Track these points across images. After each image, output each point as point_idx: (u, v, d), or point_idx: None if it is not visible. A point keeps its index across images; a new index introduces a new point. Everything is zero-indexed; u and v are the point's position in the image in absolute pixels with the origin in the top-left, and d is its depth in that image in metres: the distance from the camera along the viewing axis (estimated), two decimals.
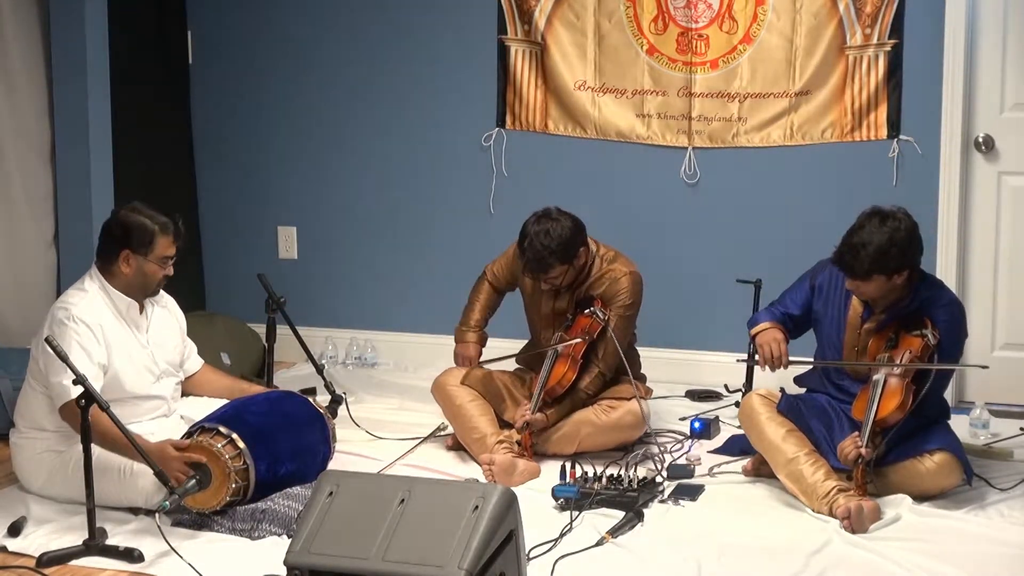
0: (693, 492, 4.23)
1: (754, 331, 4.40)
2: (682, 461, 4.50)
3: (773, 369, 4.32)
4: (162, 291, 4.36)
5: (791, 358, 4.32)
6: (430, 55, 5.90)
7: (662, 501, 4.15)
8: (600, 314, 4.58)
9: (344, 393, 4.90)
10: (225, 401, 4.30)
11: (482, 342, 4.91)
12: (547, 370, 4.55)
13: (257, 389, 4.48)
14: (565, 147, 5.74)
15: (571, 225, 4.54)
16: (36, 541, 3.83)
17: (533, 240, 4.50)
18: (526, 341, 4.96)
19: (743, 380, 5.13)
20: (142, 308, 4.25)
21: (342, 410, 4.76)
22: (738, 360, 4.58)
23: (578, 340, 4.52)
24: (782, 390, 4.38)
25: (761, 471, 4.34)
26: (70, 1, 5.32)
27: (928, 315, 4.15)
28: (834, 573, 3.61)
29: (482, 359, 4.85)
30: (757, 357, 4.36)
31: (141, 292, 4.21)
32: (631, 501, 4.01)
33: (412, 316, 6.07)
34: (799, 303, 4.40)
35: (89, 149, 5.35)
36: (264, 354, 5.00)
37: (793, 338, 4.47)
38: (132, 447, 3.75)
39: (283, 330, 4.79)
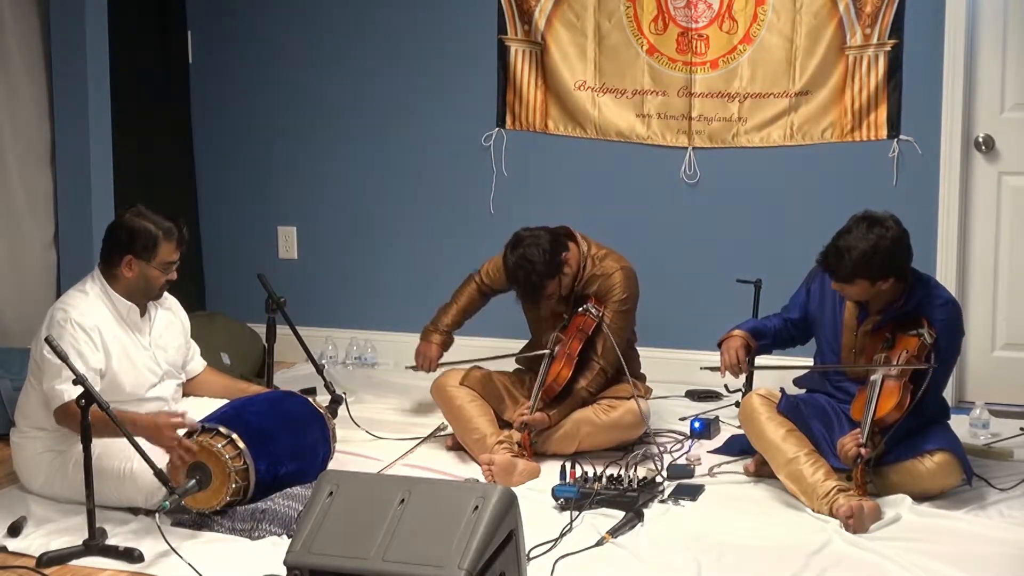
0: (693, 492, 4.23)
1: (720, 339, 4.45)
2: (682, 461, 4.50)
3: (735, 376, 4.41)
4: (165, 293, 4.35)
5: (783, 361, 4.36)
6: (430, 55, 5.90)
7: (662, 501, 4.15)
8: (594, 311, 4.59)
9: (344, 393, 4.90)
10: (225, 401, 4.30)
11: (445, 345, 4.99)
12: (544, 370, 4.55)
13: (257, 389, 4.48)
14: (565, 147, 5.74)
15: (547, 239, 4.55)
16: (36, 541, 3.83)
17: (516, 271, 4.52)
18: (524, 341, 4.96)
19: (743, 380, 5.12)
20: (143, 311, 4.25)
21: (342, 410, 4.76)
22: (701, 367, 4.63)
23: (551, 351, 4.57)
24: (782, 390, 4.38)
25: (762, 471, 4.34)
26: (70, 2, 5.31)
27: (924, 315, 4.15)
28: (834, 573, 3.60)
29: (443, 361, 4.92)
30: (718, 364, 4.41)
31: (143, 296, 4.21)
32: (631, 501, 4.01)
33: (412, 316, 6.04)
34: (798, 307, 4.44)
35: (89, 150, 5.35)
36: (264, 354, 5.00)
37: (802, 343, 4.51)
38: (129, 431, 3.74)
39: (283, 330, 4.79)
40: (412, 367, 4.99)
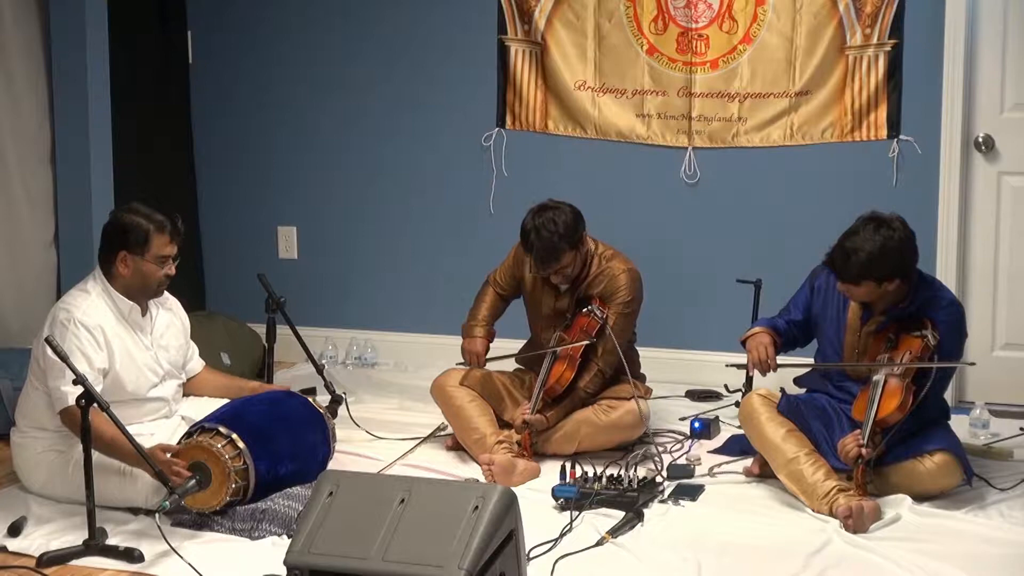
0: (693, 492, 4.23)
1: (744, 336, 4.43)
2: (682, 461, 4.50)
3: (763, 373, 4.36)
4: (166, 293, 4.36)
5: (785, 360, 4.36)
6: (430, 55, 5.90)
7: (662, 501, 4.15)
8: (598, 312, 4.59)
9: (344, 393, 4.90)
10: (225, 401, 4.30)
11: (489, 338, 4.88)
12: (546, 370, 4.55)
13: (256, 386, 4.49)
14: (565, 147, 5.74)
15: (571, 210, 4.56)
16: (36, 541, 3.83)
17: (540, 231, 4.49)
18: (524, 341, 4.96)
19: (743, 380, 5.13)
20: (145, 310, 4.25)
21: (342, 410, 4.76)
22: (727, 365, 4.62)
23: (581, 343, 4.52)
24: (782, 390, 4.38)
25: (765, 471, 4.33)
26: (70, 2, 5.32)
27: (928, 316, 4.15)
28: (834, 573, 3.60)
29: (488, 356, 4.85)
30: (746, 361, 4.38)
31: (142, 292, 4.20)
32: (631, 501, 4.01)
33: (412, 316, 6.08)
34: (801, 307, 4.42)
35: (89, 150, 5.35)
36: (264, 354, 5.00)
37: (802, 345, 4.49)
38: (127, 451, 3.75)
39: (283, 330, 4.79)
40: (461, 363, 4.87)
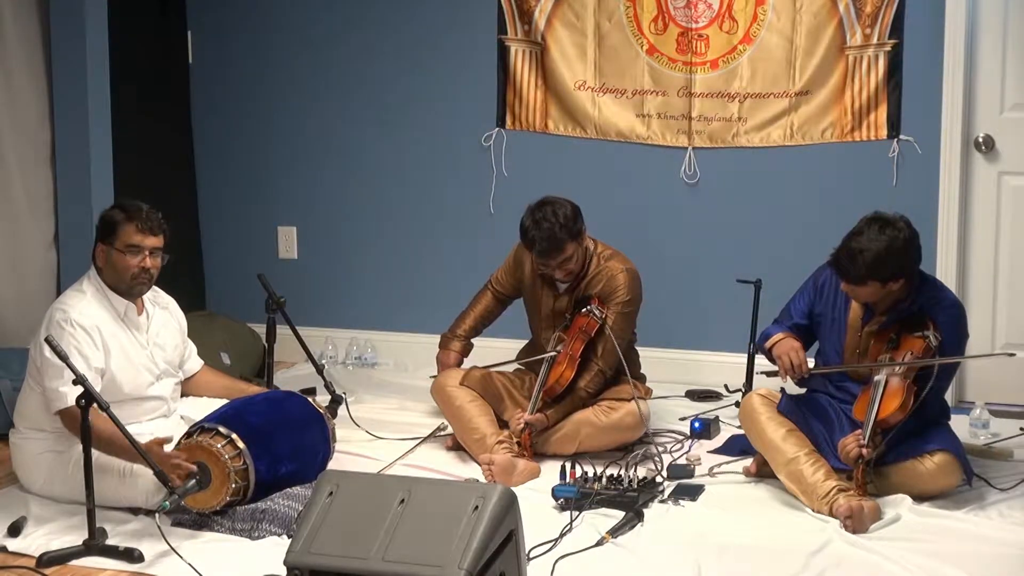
0: (693, 492, 4.23)
1: (769, 344, 4.38)
2: (682, 461, 4.50)
3: (795, 379, 4.33)
4: (162, 292, 4.36)
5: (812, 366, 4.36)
6: (430, 55, 5.90)
7: (662, 501, 4.15)
8: (597, 312, 4.58)
9: (344, 393, 4.90)
10: (225, 401, 4.30)
11: (465, 352, 4.96)
12: (545, 370, 4.55)
13: (256, 389, 4.48)
14: (565, 147, 5.74)
15: (569, 204, 4.58)
16: (36, 541, 3.84)
17: (540, 224, 4.50)
18: (526, 341, 4.96)
19: (743, 380, 5.13)
20: (140, 309, 4.25)
21: (342, 410, 4.76)
22: (758, 372, 4.59)
23: (554, 354, 4.53)
24: (782, 390, 4.38)
25: (763, 471, 4.34)
26: (70, 2, 5.31)
27: (929, 316, 4.15)
28: (834, 573, 3.61)
29: (468, 366, 4.87)
30: (776, 368, 4.36)
31: (123, 286, 4.16)
32: (631, 501, 4.01)
33: (412, 316, 6.08)
34: (803, 311, 4.39)
35: (89, 149, 5.35)
36: (264, 354, 5.00)
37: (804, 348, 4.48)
38: (127, 449, 3.75)
39: (283, 330, 4.79)
40: (435, 376, 4.92)
